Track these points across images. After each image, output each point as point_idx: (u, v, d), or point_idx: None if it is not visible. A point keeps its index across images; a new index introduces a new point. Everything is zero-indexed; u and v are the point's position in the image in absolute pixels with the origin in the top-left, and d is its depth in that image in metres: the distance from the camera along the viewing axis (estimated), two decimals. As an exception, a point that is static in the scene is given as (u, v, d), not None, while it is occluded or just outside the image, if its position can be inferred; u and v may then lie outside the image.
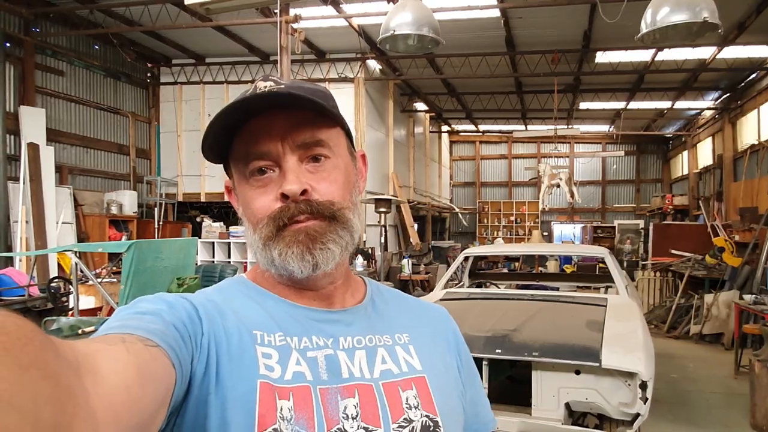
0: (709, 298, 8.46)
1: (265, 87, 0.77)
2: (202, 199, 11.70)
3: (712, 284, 9.08)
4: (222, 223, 10.26)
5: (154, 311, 0.66)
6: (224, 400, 0.67)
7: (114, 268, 8.59)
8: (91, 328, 4.81)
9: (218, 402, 0.67)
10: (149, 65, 11.77)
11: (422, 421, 0.75)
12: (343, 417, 0.71)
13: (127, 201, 10.38)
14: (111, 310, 5.85)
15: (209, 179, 11.57)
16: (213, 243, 9.90)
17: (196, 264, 7.90)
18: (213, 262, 9.52)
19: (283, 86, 0.77)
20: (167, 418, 0.62)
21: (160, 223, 10.97)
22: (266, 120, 0.76)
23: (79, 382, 0.44)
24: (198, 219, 11.32)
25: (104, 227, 9.69)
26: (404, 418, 0.75)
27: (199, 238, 9.66)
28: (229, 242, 9.80)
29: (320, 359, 0.75)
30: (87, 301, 6.81)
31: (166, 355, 0.60)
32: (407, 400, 0.77)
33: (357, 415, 0.72)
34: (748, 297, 6.43)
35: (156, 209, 11.02)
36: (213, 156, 0.83)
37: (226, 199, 0.90)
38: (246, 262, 9.60)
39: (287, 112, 0.77)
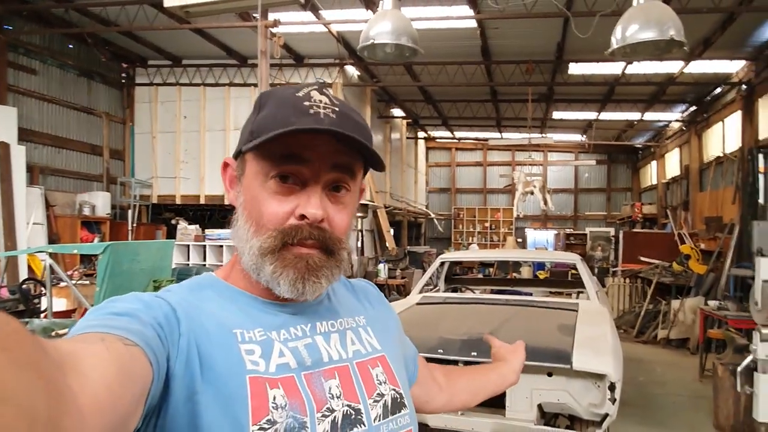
0: (675, 304, 8.72)
1: (325, 107, 0.77)
2: (177, 202, 11.57)
3: (678, 291, 9.35)
4: (197, 226, 10.17)
5: (131, 311, 0.67)
6: (215, 398, 0.69)
7: (86, 270, 8.46)
8: (65, 330, 4.74)
9: (208, 400, 0.68)
10: (124, 65, 11.62)
11: (391, 394, 0.85)
12: (329, 397, 0.77)
13: (100, 202, 10.21)
14: (85, 312, 5.76)
15: (184, 181, 11.46)
16: (188, 246, 9.81)
17: (172, 267, 7.82)
18: (188, 265, 9.42)
19: (338, 109, 0.78)
20: (144, 419, 0.63)
21: (134, 225, 10.82)
22: (313, 136, 0.76)
23: (65, 380, 0.46)
24: (173, 221, 11.19)
25: (76, 229, 9.52)
26: (377, 393, 0.83)
27: (174, 240, 9.55)
28: (205, 245, 9.71)
29: (301, 348, 0.80)
30: (59, 303, 6.69)
31: (144, 354, 0.61)
32: (377, 377, 0.85)
33: (340, 395, 0.79)
34: (712, 303, 6.66)
35: (130, 211, 10.87)
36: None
37: (221, 175, 0.88)
38: (222, 265, 9.51)
39: (334, 138, 0.77)
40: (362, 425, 0.78)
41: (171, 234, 10.92)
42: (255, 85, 10.04)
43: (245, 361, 0.73)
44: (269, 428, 0.69)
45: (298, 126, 0.74)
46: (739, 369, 3.30)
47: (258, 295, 0.83)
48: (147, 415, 0.64)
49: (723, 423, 4.97)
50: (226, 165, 0.87)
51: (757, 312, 2.94)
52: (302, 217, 0.77)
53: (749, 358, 3.08)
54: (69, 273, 7.63)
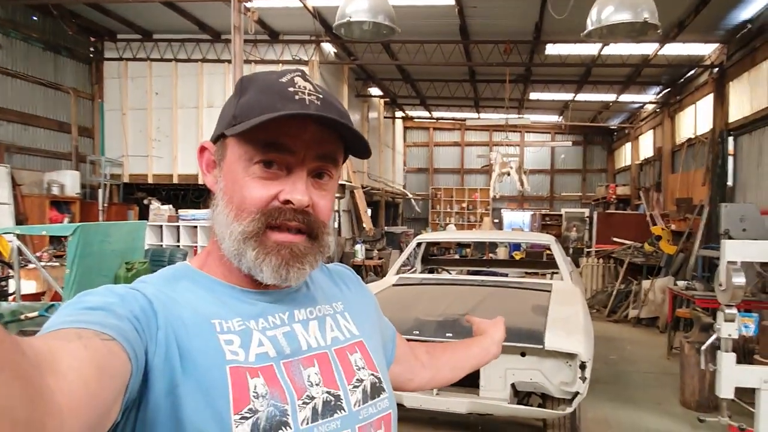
0: (646, 284, 8.92)
1: (309, 93, 0.78)
2: (150, 181, 11.35)
3: (649, 271, 9.57)
4: (171, 206, 9.99)
5: (106, 305, 0.66)
6: (195, 390, 0.69)
7: (56, 251, 8.26)
8: (34, 314, 4.64)
9: (189, 393, 0.68)
10: (92, 39, 11.23)
11: (370, 380, 0.85)
12: (308, 384, 0.78)
13: (69, 181, 9.94)
14: (55, 295, 5.64)
15: (157, 160, 11.22)
16: (161, 226, 9.64)
17: (145, 248, 7.69)
18: (161, 246, 9.28)
19: (321, 96, 0.79)
20: (123, 412, 0.63)
21: (105, 205, 10.59)
22: (299, 122, 0.77)
23: (43, 380, 0.46)
24: (145, 201, 10.98)
25: (45, 209, 9.27)
26: (356, 379, 0.84)
27: (147, 221, 9.38)
28: (179, 226, 9.56)
29: (280, 336, 0.80)
30: (28, 286, 6.53)
31: (122, 349, 0.61)
32: (356, 363, 0.86)
33: (320, 382, 0.79)
34: (681, 283, 6.82)
35: (100, 190, 10.62)
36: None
37: (197, 158, 0.87)
38: (196, 246, 9.40)
39: (320, 125, 0.78)
40: (342, 411, 0.79)
41: (143, 214, 10.72)
42: (229, 62, 9.80)
43: (225, 351, 0.73)
44: (251, 417, 0.70)
45: (286, 111, 0.73)
46: (703, 348, 3.39)
47: (235, 283, 0.82)
48: (126, 409, 0.64)
49: (689, 399, 5.13)
50: (203, 149, 0.85)
51: (721, 292, 3.01)
52: (287, 202, 0.77)
53: (713, 337, 3.16)
54: (38, 254, 7.44)
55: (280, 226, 0.78)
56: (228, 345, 0.74)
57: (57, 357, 0.51)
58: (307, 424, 0.75)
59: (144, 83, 11.25)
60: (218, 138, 0.82)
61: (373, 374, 0.86)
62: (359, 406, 0.82)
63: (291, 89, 0.77)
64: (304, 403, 0.75)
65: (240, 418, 0.69)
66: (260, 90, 0.78)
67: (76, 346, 0.55)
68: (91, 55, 11.33)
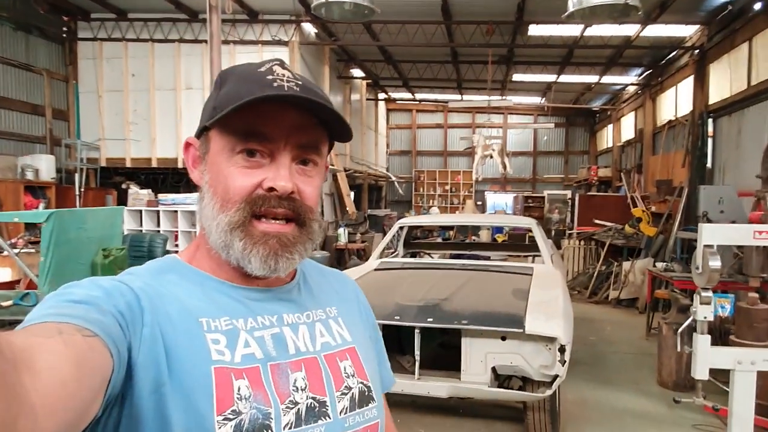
0: (626, 265, 9.03)
1: (288, 80, 0.77)
2: (128, 165, 11.13)
3: (630, 252, 9.69)
4: (150, 191, 9.82)
5: (90, 299, 0.65)
6: (180, 388, 0.68)
7: (31, 238, 8.08)
8: (9, 303, 4.54)
9: (175, 391, 0.68)
10: (65, 18, 10.88)
11: (359, 387, 0.84)
12: (293, 389, 0.77)
13: (43, 166, 9.70)
14: (30, 283, 5.52)
15: (135, 143, 11.00)
16: (140, 211, 9.48)
17: (123, 233, 7.56)
18: (141, 231, 9.13)
19: (300, 82, 0.78)
20: (106, 408, 0.62)
21: (82, 189, 10.36)
22: (279, 109, 0.77)
23: (18, 379, 0.45)
24: (123, 186, 10.78)
25: (19, 194, 9.05)
26: (345, 386, 0.83)
27: (125, 206, 9.22)
28: (158, 210, 9.41)
29: (267, 338, 0.78)
30: (2, 274, 6.40)
31: (104, 345, 0.60)
32: (345, 370, 0.84)
33: (305, 387, 0.78)
34: (660, 264, 6.91)
35: (77, 175, 10.38)
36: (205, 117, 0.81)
37: (182, 157, 0.86)
38: (177, 231, 9.28)
39: (300, 111, 0.78)
40: (327, 417, 0.78)
41: (122, 199, 10.54)
42: (206, 42, 9.58)
43: (211, 350, 0.72)
44: (234, 419, 0.70)
45: (260, 94, 0.73)
46: (679, 330, 3.43)
47: (224, 278, 0.81)
48: (108, 405, 0.63)
49: (666, 379, 5.22)
50: (188, 145, 0.85)
51: (698, 275, 3.03)
52: (271, 189, 0.76)
53: (690, 319, 3.19)
54: (12, 241, 7.27)
55: (266, 215, 0.77)
56: (214, 344, 0.73)
57: (35, 354, 0.50)
58: (291, 428, 0.74)
59: (120, 64, 10.97)
60: (201, 132, 0.82)
61: (362, 382, 0.85)
62: (346, 413, 0.81)
63: (269, 77, 0.76)
64: (287, 407, 0.75)
65: (223, 419, 0.69)
66: (238, 80, 0.77)
67: (56, 342, 0.54)
68: (64, 35, 10.98)
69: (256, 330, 0.78)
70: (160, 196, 9.58)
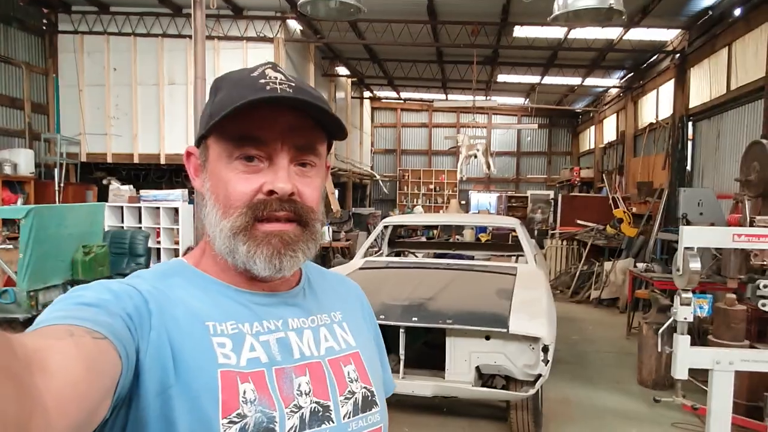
0: (608, 265, 9.15)
1: (281, 83, 0.77)
2: (109, 160, 10.96)
3: (611, 253, 9.81)
4: (131, 186, 9.69)
5: (99, 302, 0.66)
6: (186, 391, 0.69)
7: (10, 233, 7.93)
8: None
9: (181, 394, 0.69)
10: (44, 11, 10.67)
11: (362, 392, 0.85)
12: (297, 394, 0.77)
13: (22, 160, 9.50)
14: (8, 280, 5.42)
15: (116, 139, 10.84)
16: (122, 207, 9.35)
17: (104, 230, 7.46)
18: (122, 227, 9.01)
19: (293, 84, 0.78)
20: (113, 410, 0.63)
21: (62, 185, 10.19)
22: (272, 112, 0.77)
23: (32, 380, 0.46)
24: (104, 181, 10.62)
25: (-4, 189, 8.87)
26: (348, 391, 0.83)
27: (106, 201, 9.08)
28: (140, 207, 9.30)
29: (272, 342, 0.79)
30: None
31: (113, 348, 0.61)
32: (348, 374, 0.85)
33: (309, 391, 0.79)
34: (640, 265, 7.01)
35: (56, 170, 10.20)
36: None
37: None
38: (159, 228, 9.18)
39: (294, 112, 0.78)
40: (331, 422, 0.79)
41: (103, 195, 10.38)
42: (190, 37, 9.48)
43: (217, 354, 0.73)
44: (239, 422, 0.70)
45: (253, 97, 0.73)
46: (660, 330, 3.49)
47: (230, 282, 0.82)
48: (116, 406, 0.64)
49: (646, 378, 5.31)
50: (189, 154, 0.86)
51: (678, 277, 3.08)
52: (270, 192, 0.77)
53: (670, 320, 3.25)
54: (-11, 236, 7.13)
55: (268, 218, 0.78)
56: (221, 348, 0.74)
57: (47, 356, 0.51)
58: None
59: (101, 58, 10.79)
60: (200, 141, 0.82)
61: (366, 387, 0.86)
62: (349, 418, 0.82)
63: (262, 81, 0.76)
64: (291, 411, 0.75)
65: (228, 422, 0.70)
66: (232, 86, 0.78)
67: (67, 344, 0.55)
68: (44, 28, 10.77)
69: (261, 334, 0.79)
70: (142, 192, 9.47)
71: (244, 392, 0.72)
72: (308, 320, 0.86)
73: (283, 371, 0.78)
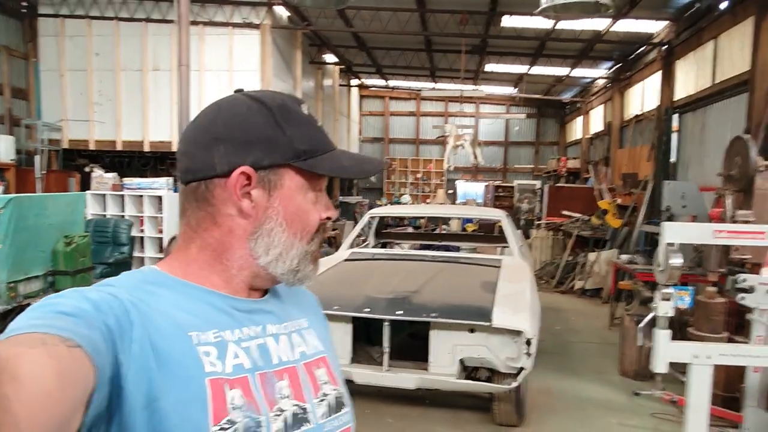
0: (592, 256, 9.22)
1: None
2: (92, 147, 10.81)
3: (596, 243, 9.89)
4: (115, 174, 9.54)
5: (78, 311, 0.65)
6: (175, 401, 0.69)
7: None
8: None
9: (168, 405, 0.69)
10: (24, -7, 10.45)
11: (334, 394, 0.89)
12: (279, 397, 0.80)
13: (2, 147, 9.34)
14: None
15: (99, 125, 10.68)
16: (104, 195, 9.22)
17: (86, 218, 7.35)
18: (105, 216, 8.89)
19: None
20: (93, 425, 0.64)
21: (43, 172, 10.03)
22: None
23: (3, 390, 0.47)
24: (87, 169, 10.46)
25: (-25, 176, 8.71)
26: (322, 393, 0.88)
27: (89, 189, 8.95)
28: (123, 194, 9.16)
29: (253, 348, 0.82)
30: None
31: (88, 358, 0.60)
32: (320, 377, 0.89)
33: (290, 395, 0.82)
34: (624, 256, 7.07)
35: (37, 157, 10.03)
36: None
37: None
38: (142, 216, 9.06)
39: None
40: (308, 423, 0.83)
41: (85, 182, 10.22)
42: (174, 22, 9.32)
43: (203, 362, 0.74)
44: (229, 428, 0.71)
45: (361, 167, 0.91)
46: (640, 325, 3.53)
47: (214, 287, 0.83)
48: (96, 422, 0.64)
49: (627, 369, 5.38)
50: (244, 175, 0.82)
51: (659, 272, 3.11)
52: (328, 218, 0.89)
53: (651, 315, 3.28)
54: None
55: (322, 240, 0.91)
56: (206, 356, 0.75)
57: (18, 365, 0.51)
58: None
59: (83, 43, 10.59)
60: (267, 166, 0.82)
61: (335, 389, 0.91)
62: (324, 418, 0.86)
63: (316, 122, 0.88)
64: (275, 415, 0.78)
65: (219, 430, 0.71)
66: (300, 123, 0.84)
67: (40, 352, 0.54)
68: (24, 11, 10.54)
69: (243, 341, 0.81)
70: (126, 179, 9.32)
71: (233, 398, 0.74)
72: (282, 326, 0.89)
73: (266, 376, 0.80)
